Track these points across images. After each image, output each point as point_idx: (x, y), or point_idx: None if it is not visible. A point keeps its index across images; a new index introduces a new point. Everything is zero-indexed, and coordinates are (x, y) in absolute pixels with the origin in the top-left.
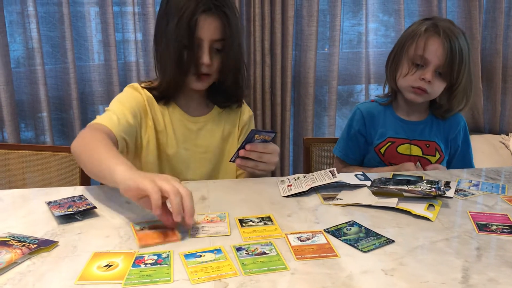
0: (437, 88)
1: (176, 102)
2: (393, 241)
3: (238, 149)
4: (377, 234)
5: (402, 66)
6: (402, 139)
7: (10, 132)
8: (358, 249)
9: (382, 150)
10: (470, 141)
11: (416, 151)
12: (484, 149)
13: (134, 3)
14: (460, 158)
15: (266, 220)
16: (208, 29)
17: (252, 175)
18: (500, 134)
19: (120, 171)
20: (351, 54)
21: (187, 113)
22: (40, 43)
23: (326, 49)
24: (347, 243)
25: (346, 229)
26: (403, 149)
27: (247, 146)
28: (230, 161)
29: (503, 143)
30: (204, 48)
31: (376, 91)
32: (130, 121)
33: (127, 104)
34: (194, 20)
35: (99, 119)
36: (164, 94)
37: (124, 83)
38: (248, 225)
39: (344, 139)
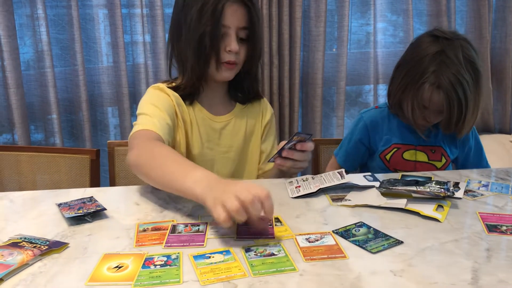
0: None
1: (199, 101)
2: (402, 242)
3: (280, 150)
4: (386, 235)
5: (407, 102)
6: (407, 145)
7: (20, 134)
8: (367, 250)
9: (388, 157)
10: (481, 143)
11: (421, 157)
12: (494, 149)
13: (143, 5)
14: (476, 159)
15: (276, 221)
16: (234, 17)
17: (281, 173)
18: (510, 134)
19: (196, 190)
20: (359, 54)
21: (210, 112)
22: (49, 45)
23: (334, 49)
24: (356, 244)
25: (355, 230)
26: (408, 155)
27: (287, 146)
28: (269, 161)
29: None
30: (231, 35)
31: (385, 91)
32: (169, 123)
33: (161, 106)
34: (220, 7)
35: (143, 125)
36: (188, 91)
37: (132, 85)
38: None
39: (345, 146)
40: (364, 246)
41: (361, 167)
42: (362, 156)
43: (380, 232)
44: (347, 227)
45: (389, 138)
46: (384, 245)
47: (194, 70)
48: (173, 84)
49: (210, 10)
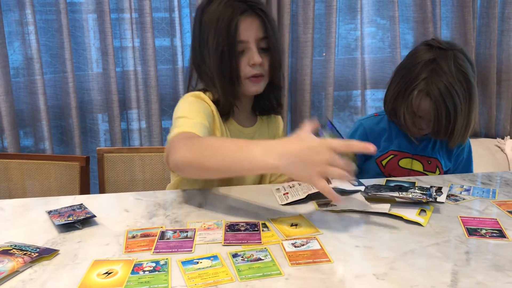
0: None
1: (231, 115)
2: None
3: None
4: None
5: (399, 108)
6: (404, 152)
7: (10, 141)
8: None
9: (384, 163)
10: (472, 158)
11: (417, 166)
12: (480, 153)
13: (131, 9)
14: (462, 172)
15: (263, 226)
16: (250, 30)
17: None
18: (495, 138)
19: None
20: (347, 60)
21: (240, 124)
22: (39, 52)
23: (324, 54)
24: None
25: (319, 133)
26: (404, 163)
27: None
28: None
29: (499, 147)
30: (252, 49)
31: (373, 96)
32: (208, 128)
33: (201, 111)
34: (234, 24)
35: (184, 127)
36: (226, 110)
37: (122, 91)
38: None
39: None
40: None
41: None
42: (358, 162)
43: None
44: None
45: (387, 144)
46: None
47: (224, 89)
48: (210, 95)
49: (225, 29)
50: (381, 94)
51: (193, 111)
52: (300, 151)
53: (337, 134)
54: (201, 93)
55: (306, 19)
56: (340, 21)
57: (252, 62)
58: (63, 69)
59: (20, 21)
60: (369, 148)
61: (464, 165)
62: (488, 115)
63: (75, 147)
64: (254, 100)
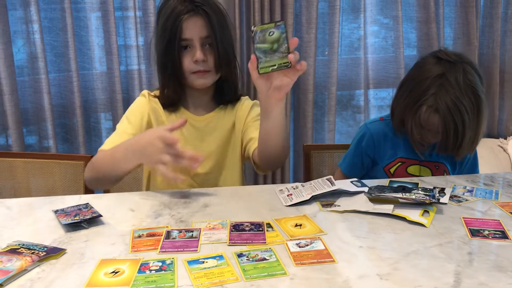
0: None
1: (184, 105)
2: (290, 65)
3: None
4: (287, 51)
5: (407, 121)
6: (412, 159)
7: (14, 139)
8: (258, 69)
9: (392, 170)
10: (478, 160)
11: (425, 172)
12: (483, 153)
13: (136, 8)
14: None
15: (267, 226)
16: (195, 28)
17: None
18: (498, 138)
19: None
20: (350, 60)
21: (195, 114)
22: (44, 52)
23: (326, 53)
24: (256, 54)
25: (270, 33)
26: (412, 170)
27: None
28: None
29: (502, 147)
30: (195, 46)
31: (376, 95)
32: (136, 130)
33: (132, 118)
34: (178, 22)
35: (104, 145)
36: (169, 100)
37: (126, 90)
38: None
39: (350, 156)
40: (260, 60)
41: (362, 177)
42: (367, 167)
43: (286, 44)
44: (268, 25)
45: (394, 151)
46: (275, 65)
47: (164, 82)
48: (157, 93)
49: (170, 26)
50: (384, 93)
51: (125, 120)
52: (143, 147)
53: (285, 37)
54: (145, 91)
55: (310, 18)
56: (343, 20)
57: (194, 59)
58: (67, 68)
59: (25, 19)
60: (198, 160)
61: (469, 167)
62: (491, 115)
63: (79, 145)
64: (215, 94)
